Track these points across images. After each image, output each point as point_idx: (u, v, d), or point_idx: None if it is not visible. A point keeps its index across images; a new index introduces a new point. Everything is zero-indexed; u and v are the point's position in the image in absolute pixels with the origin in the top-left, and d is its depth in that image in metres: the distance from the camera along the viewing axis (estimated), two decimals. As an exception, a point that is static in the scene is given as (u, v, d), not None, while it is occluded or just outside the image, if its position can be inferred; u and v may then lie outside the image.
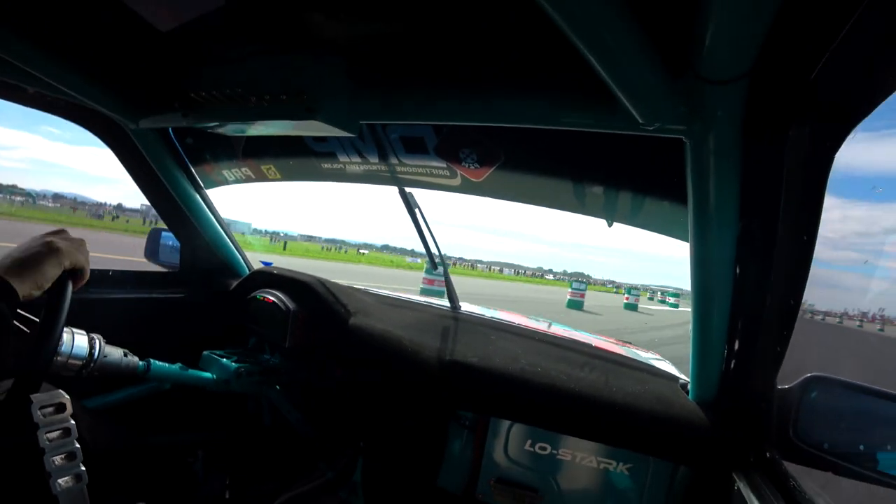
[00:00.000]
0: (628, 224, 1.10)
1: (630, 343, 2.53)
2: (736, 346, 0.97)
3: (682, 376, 1.33)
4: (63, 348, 1.03)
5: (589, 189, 1.13)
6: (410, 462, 1.32)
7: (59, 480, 0.76)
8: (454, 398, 1.30)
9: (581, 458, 1.21)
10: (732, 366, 1.00)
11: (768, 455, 0.95)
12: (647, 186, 1.05)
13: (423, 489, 1.40)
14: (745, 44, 0.52)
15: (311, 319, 1.57)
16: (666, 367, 1.72)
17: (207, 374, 1.47)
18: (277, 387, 1.63)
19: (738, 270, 0.87)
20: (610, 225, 1.13)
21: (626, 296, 27.52)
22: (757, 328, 0.91)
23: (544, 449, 1.24)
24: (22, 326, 0.99)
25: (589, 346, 1.71)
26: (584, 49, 0.54)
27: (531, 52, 0.77)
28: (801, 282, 0.83)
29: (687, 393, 1.16)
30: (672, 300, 39.76)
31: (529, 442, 1.25)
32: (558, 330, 2.24)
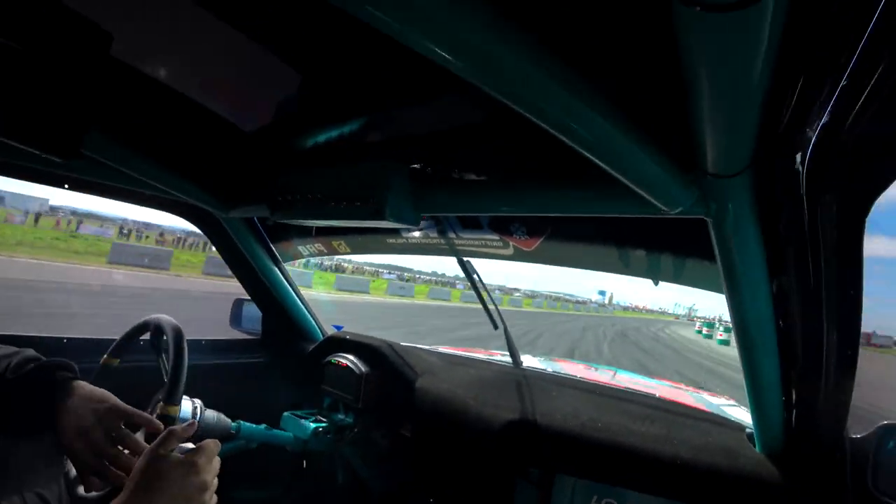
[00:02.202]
0: (672, 282, 1.15)
1: (701, 389, 2.45)
2: (794, 397, 0.98)
3: (751, 425, 1.31)
4: None
5: (632, 253, 1.19)
6: None
7: None
8: (519, 455, 1.35)
9: None
10: (794, 416, 1.00)
11: None
12: (684, 248, 1.10)
13: None
14: (739, 142, 0.59)
15: (382, 380, 1.68)
16: (737, 412, 1.68)
17: (288, 434, 1.60)
18: (351, 445, 1.74)
19: (780, 324, 0.90)
20: (656, 284, 1.19)
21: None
22: (816, 378, 0.92)
23: None
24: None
25: (652, 396, 1.70)
26: (601, 162, 0.63)
27: (565, 154, 0.89)
28: (856, 332, 0.86)
29: (754, 444, 1.16)
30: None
31: (596, 497, 1.27)
32: (623, 378, 2.23)
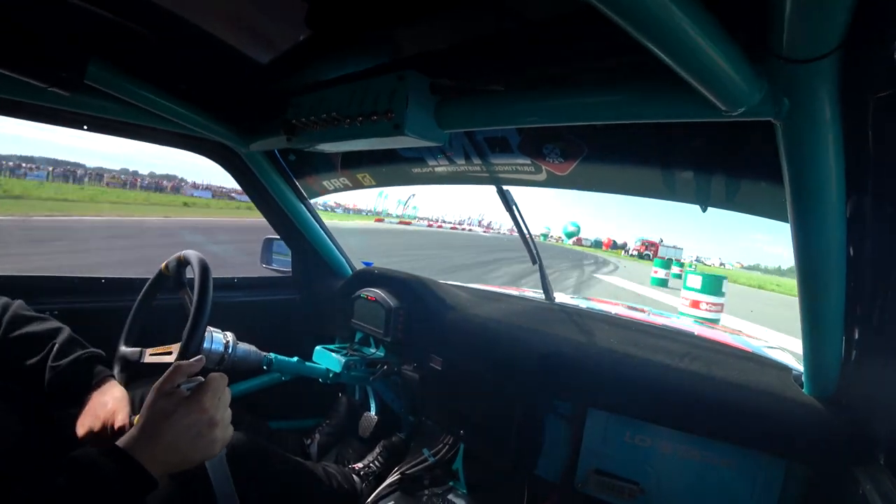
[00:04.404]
0: (724, 208, 1.04)
1: (741, 331, 2.35)
2: (856, 336, 0.88)
3: (797, 367, 1.23)
4: (205, 344, 1.23)
5: (679, 175, 1.08)
6: (509, 450, 1.36)
7: None
8: (551, 389, 1.32)
9: (684, 451, 1.17)
10: (854, 356, 0.91)
11: None
12: (740, 167, 0.98)
13: (522, 477, 1.44)
14: (827, 19, 0.48)
15: (411, 314, 1.67)
16: (779, 355, 1.59)
17: (321, 367, 1.63)
18: (382, 378, 1.77)
19: (851, 252, 0.79)
20: (704, 210, 1.08)
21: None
22: (885, 315, 0.83)
23: (643, 441, 1.22)
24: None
25: (690, 334, 1.64)
26: (654, 45, 0.53)
27: (605, 48, 0.77)
28: None
29: (801, 385, 1.08)
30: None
31: (629, 434, 1.24)
32: (658, 318, 2.16)
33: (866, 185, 0.72)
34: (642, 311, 2.28)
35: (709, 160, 1.02)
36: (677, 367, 1.20)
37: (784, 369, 1.22)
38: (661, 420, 1.18)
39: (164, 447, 0.70)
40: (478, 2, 0.79)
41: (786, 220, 0.80)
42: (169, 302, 1.28)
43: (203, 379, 0.80)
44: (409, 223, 66.14)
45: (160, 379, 0.77)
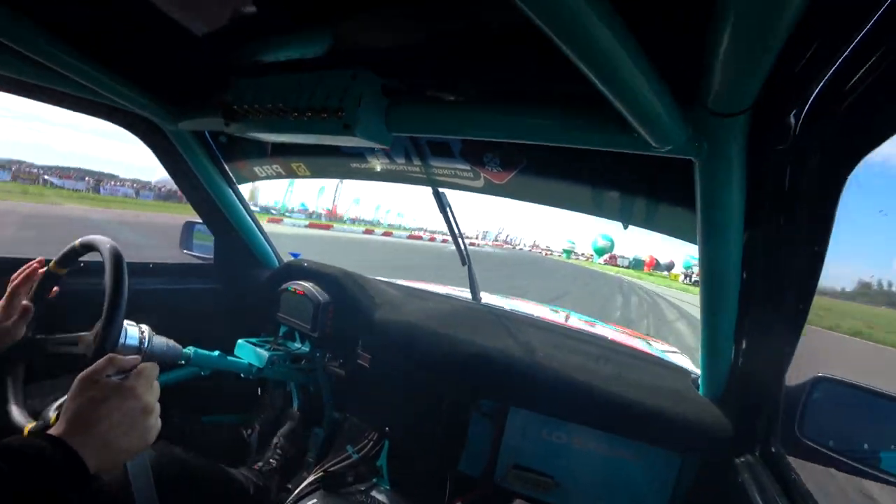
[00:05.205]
0: (641, 227, 1.14)
1: (648, 336, 2.58)
2: (744, 346, 1.01)
3: (695, 370, 1.38)
4: (119, 339, 1.14)
5: (606, 194, 1.17)
6: (433, 447, 1.40)
7: None
8: (476, 387, 1.37)
9: (594, 447, 1.27)
10: (741, 364, 1.04)
11: (773, 450, 1.01)
12: (660, 194, 1.09)
13: (445, 473, 1.48)
14: (746, 85, 0.56)
15: (339, 310, 1.65)
16: (680, 360, 1.77)
17: (243, 361, 1.56)
18: (307, 374, 1.73)
19: (744, 275, 0.91)
20: (625, 228, 1.17)
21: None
22: (767, 330, 0.96)
23: (560, 438, 1.30)
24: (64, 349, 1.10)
25: (605, 339, 1.77)
26: (599, 82, 0.58)
27: (554, 75, 0.81)
28: (811, 289, 0.88)
29: (698, 388, 1.21)
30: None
31: (546, 431, 1.31)
32: (576, 322, 2.30)
33: (760, 222, 0.84)
34: (564, 315, 2.42)
35: (634, 184, 1.12)
36: (592, 368, 1.29)
37: (684, 373, 1.37)
38: (576, 418, 1.26)
39: (98, 437, 0.65)
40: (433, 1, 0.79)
41: (695, 243, 0.90)
42: (72, 286, 1.17)
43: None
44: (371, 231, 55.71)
45: (89, 368, 0.72)
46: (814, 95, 0.69)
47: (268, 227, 2.11)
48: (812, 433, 1.01)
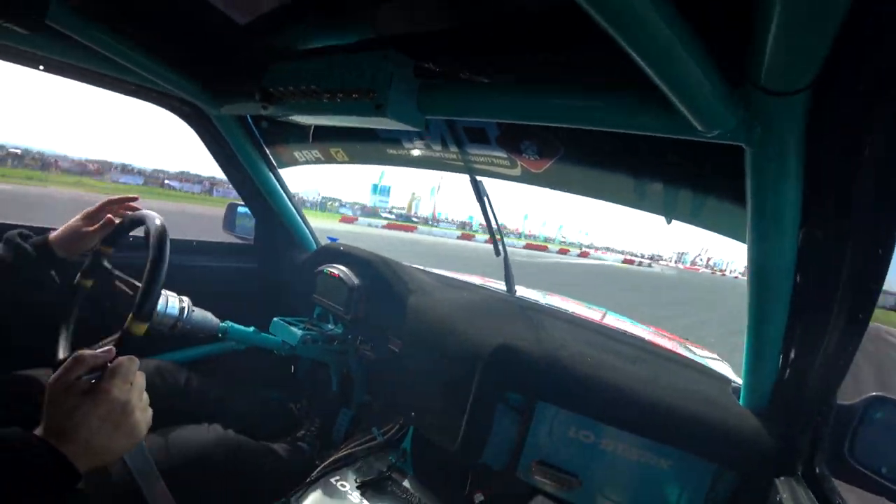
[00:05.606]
0: (687, 222, 1.08)
1: (688, 340, 2.47)
2: (792, 356, 0.94)
3: (736, 379, 1.30)
4: (159, 308, 1.19)
5: (648, 185, 1.11)
6: (458, 437, 1.39)
7: None
8: (504, 380, 1.35)
9: (623, 449, 1.22)
10: (787, 375, 0.97)
11: (818, 471, 0.93)
12: (707, 186, 1.02)
13: (468, 463, 1.47)
14: (805, 58, 0.51)
15: (373, 294, 1.67)
16: (721, 367, 1.68)
17: (277, 339, 1.60)
18: (338, 355, 1.76)
19: (798, 279, 0.84)
20: (669, 222, 1.11)
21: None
22: (819, 340, 0.88)
23: (587, 437, 1.26)
24: (124, 287, 1.16)
25: (641, 339, 1.70)
26: (642, 60, 0.55)
27: (594, 56, 0.77)
28: (873, 296, 0.80)
29: (738, 397, 1.14)
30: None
31: (574, 429, 1.27)
32: (612, 320, 2.23)
33: (819, 219, 0.76)
34: (600, 312, 2.35)
35: (678, 176, 1.05)
36: (626, 368, 1.24)
37: (724, 380, 1.29)
38: (607, 418, 1.22)
39: (79, 444, 0.63)
40: None
41: (744, 241, 0.83)
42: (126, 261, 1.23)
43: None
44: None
45: (56, 373, 0.68)
46: (883, 72, 0.59)
47: (340, 226, 2.16)
48: (863, 456, 0.93)
